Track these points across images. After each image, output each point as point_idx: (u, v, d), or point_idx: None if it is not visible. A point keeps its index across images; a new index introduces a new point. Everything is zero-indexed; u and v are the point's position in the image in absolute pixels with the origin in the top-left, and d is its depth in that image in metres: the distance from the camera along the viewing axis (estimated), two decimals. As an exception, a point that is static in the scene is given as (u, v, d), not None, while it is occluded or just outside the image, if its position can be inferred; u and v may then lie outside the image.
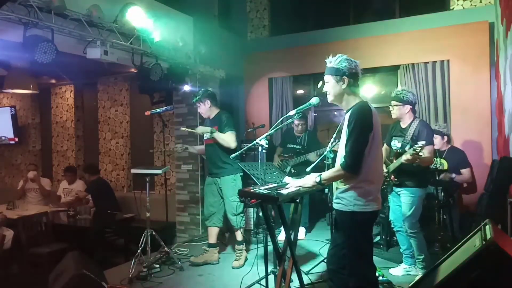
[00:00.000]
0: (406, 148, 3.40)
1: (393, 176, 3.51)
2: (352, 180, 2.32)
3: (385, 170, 3.55)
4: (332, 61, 2.41)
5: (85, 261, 3.03)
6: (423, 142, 3.18)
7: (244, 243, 4.24)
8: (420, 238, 3.54)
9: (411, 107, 3.50)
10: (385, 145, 3.75)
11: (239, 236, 4.19)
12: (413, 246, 3.57)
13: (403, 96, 3.48)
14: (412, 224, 3.49)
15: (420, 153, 3.16)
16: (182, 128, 4.52)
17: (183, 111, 5.61)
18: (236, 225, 4.15)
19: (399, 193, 3.56)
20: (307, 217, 5.13)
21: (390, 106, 3.58)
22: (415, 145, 3.18)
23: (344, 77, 2.36)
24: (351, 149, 2.26)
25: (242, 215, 4.14)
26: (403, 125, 3.57)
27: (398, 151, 3.52)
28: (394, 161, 3.51)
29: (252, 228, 5.37)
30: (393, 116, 3.59)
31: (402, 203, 3.53)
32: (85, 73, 6.70)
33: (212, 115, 4.18)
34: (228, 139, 3.98)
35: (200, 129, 4.16)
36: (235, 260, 4.16)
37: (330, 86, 2.42)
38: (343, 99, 2.42)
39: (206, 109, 4.16)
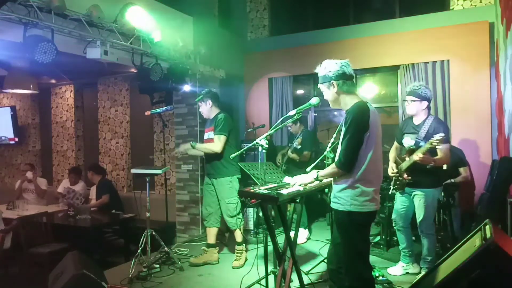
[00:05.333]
0: (421, 145, 3.27)
1: (406, 175, 3.41)
2: (348, 179, 2.34)
3: (395, 170, 3.52)
4: (320, 70, 2.45)
5: (85, 261, 3.03)
6: (442, 135, 2.99)
7: (243, 244, 4.24)
8: (434, 239, 3.52)
9: (427, 103, 3.40)
10: (395, 143, 3.70)
11: (238, 237, 4.18)
12: (425, 247, 3.52)
13: (421, 92, 3.35)
14: (428, 225, 3.45)
15: (438, 146, 3.03)
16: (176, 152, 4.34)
17: (183, 111, 5.61)
18: (232, 227, 4.15)
19: (412, 193, 3.48)
20: (305, 218, 5.13)
21: (405, 101, 3.46)
22: (432, 139, 3.01)
23: (332, 81, 2.39)
24: (344, 147, 2.31)
25: (239, 216, 4.13)
26: (417, 121, 3.45)
27: (412, 148, 3.40)
28: (407, 158, 3.40)
29: (252, 228, 5.37)
30: (409, 112, 3.46)
31: (416, 205, 3.46)
32: (85, 73, 6.71)
33: (212, 116, 4.19)
34: (210, 147, 4.00)
35: (181, 148, 4.16)
36: (235, 260, 4.17)
37: (325, 94, 2.48)
38: (340, 102, 2.45)
39: (207, 109, 4.18)
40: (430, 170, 3.27)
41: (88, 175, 6.06)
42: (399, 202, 3.64)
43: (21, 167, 6.98)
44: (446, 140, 3.26)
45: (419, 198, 3.43)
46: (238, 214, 4.12)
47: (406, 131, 3.54)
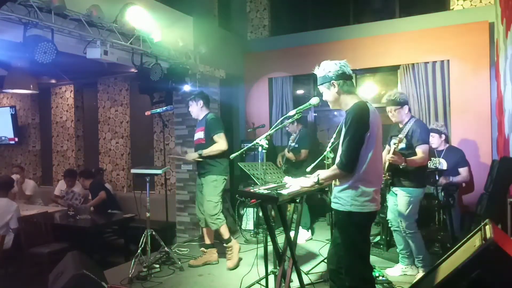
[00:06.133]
0: (401, 146, 3.42)
1: (387, 174, 3.50)
2: (348, 179, 2.33)
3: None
4: (318, 71, 2.46)
5: (85, 261, 3.03)
6: (400, 136, 3.29)
7: (231, 240, 4.14)
8: (418, 238, 3.53)
9: (408, 106, 3.56)
10: (387, 146, 3.75)
11: (224, 234, 4.10)
12: (412, 247, 3.56)
13: (399, 99, 3.52)
14: (409, 225, 3.49)
15: (397, 149, 3.26)
16: (171, 156, 5.15)
17: (183, 111, 5.60)
18: (211, 227, 4.10)
19: (396, 192, 3.56)
20: (308, 219, 5.12)
21: (388, 112, 3.61)
22: (392, 141, 3.29)
23: (333, 81, 2.40)
24: (345, 148, 2.30)
25: (219, 217, 4.08)
26: (401, 124, 3.60)
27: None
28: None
29: (252, 228, 5.37)
30: (394, 120, 3.62)
31: (398, 203, 3.53)
32: (85, 73, 6.71)
33: (201, 116, 4.26)
34: (217, 147, 4.05)
35: (189, 156, 4.20)
36: (227, 260, 4.11)
37: (325, 95, 2.48)
38: (341, 102, 2.44)
39: (197, 108, 4.25)
40: (411, 170, 3.39)
41: (79, 182, 6.05)
42: (390, 202, 3.70)
43: (11, 170, 6.96)
44: (424, 141, 3.42)
45: (402, 196, 3.50)
46: (216, 214, 4.07)
47: (393, 134, 3.65)
